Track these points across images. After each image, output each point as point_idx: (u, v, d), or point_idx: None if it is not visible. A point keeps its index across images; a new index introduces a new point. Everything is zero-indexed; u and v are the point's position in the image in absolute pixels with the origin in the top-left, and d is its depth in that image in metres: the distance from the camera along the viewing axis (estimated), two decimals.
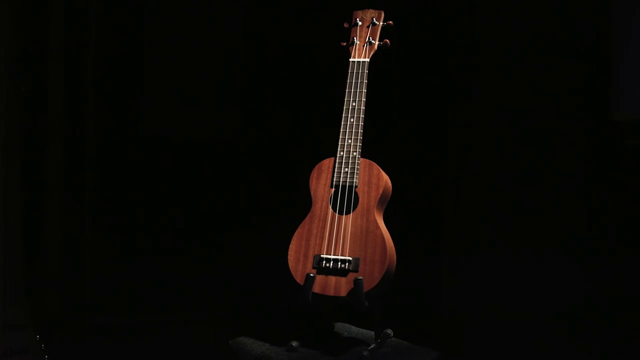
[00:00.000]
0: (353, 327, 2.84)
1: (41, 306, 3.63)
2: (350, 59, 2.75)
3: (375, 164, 2.64)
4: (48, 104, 3.68)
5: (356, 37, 2.78)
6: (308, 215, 2.65)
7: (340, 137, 2.66)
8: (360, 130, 2.65)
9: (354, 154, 2.63)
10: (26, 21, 3.51)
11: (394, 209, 2.74)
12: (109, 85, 3.87)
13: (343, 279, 2.54)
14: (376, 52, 2.77)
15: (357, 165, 2.62)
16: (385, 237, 2.55)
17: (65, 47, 3.70)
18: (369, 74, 2.73)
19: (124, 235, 3.92)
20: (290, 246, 2.63)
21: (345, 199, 2.61)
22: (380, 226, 2.57)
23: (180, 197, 4.00)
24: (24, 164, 3.40)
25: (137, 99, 3.95)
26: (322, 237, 2.60)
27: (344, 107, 2.69)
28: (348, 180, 2.62)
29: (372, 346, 2.62)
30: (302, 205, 2.70)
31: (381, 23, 2.78)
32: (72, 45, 3.72)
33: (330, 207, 2.63)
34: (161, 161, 3.98)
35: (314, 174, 2.69)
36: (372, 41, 2.76)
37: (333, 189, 2.64)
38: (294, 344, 2.60)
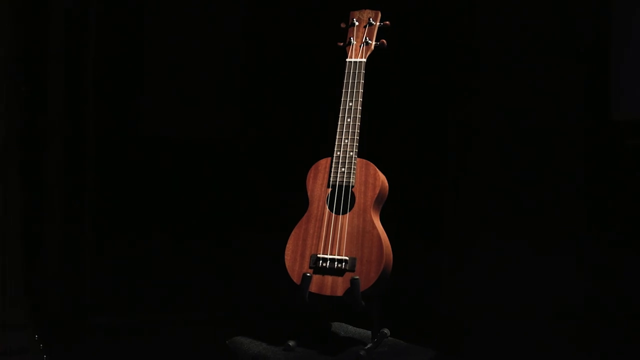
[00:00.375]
0: (350, 327, 2.84)
1: (41, 306, 3.63)
2: (347, 59, 2.75)
3: (371, 163, 2.64)
4: (48, 104, 3.68)
5: (353, 37, 2.78)
6: (305, 215, 2.65)
7: (337, 137, 2.66)
8: (357, 130, 2.65)
9: (351, 153, 2.63)
10: (26, 21, 3.52)
11: (394, 209, 2.74)
12: (109, 85, 3.87)
13: (340, 279, 2.55)
14: (373, 52, 2.77)
15: (354, 165, 2.63)
16: (382, 236, 2.55)
17: (65, 47, 3.70)
18: (366, 74, 2.73)
19: (123, 235, 3.92)
20: (287, 246, 2.63)
21: (342, 199, 2.62)
22: (377, 226, 2.57)
23: (180, 197, 4.00)
24: (24, 164, 3.41)
25: (137, 99, 3.96)
26: (319, 237, 2.60)
27: (341, 107, 2.69)
28: (345, 180, 2.62)
29: (368, 345, 2.62)
30: (302, 205, 2.70)
31: (378, 23, 2.79)
32: (72, 45, 3.72)
33: (327, 207, 2.63)
34: (161, 161, 3.98)
35: (310, 174, 2.69)
36: (369, 41, 2.76)
37: (330, 189, 2.64)
38: (291, 343, 2.60)
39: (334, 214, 2.61)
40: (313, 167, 2.70)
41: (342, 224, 2.59)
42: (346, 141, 2.65)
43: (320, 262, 2.57)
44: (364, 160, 2.65)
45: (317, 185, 2.67)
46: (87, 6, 3.77)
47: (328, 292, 2.55)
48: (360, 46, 2.76)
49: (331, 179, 2.65)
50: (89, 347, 3.58)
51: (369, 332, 2.71)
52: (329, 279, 2.56)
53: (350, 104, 2.68)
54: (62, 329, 3.63)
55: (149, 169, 3.96)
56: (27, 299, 3.24)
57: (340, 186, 2.63)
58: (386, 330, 2.72)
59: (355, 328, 2.84)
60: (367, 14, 2.81)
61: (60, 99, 3.71)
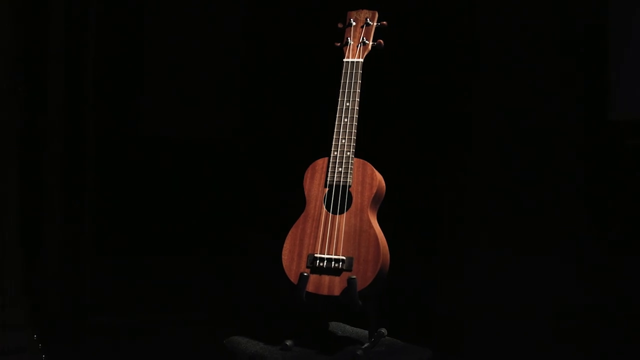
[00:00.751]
0: (347, 326, 2.84)
1: (41, 306, 3.63)
2: (344, 59, 2.75)
3: (369, 163, 2.64)
4: (48, 104, 3.68)
5: (350, 37, 2.78)
6: (302, 215, 2.65)
7: (334, 137, 2.66)
8: (354, 130, 2.65)
9: (348, 153, 2.63)
10: (26, 21, 3.52)
11: (393, 209, 2.74)
12: (109, 85, 3.88)
13: (337, 278, 2.54)
14: (371, 52, 2.76)
15: (351, 165, 2.62)
16: (379, 236, 2.55)
17: (65, 47, 3.71)
18: (364, 74, 2.73)
19: (123, 235, 3.92)
20: (285, 246, 2.63)
21: (339, 199, 2.61)
22: (374, 226, 2.57)
23: (180, 197, 4.00)
24: (24, 164, 3.41)
25: (137, 99, 3.96)
26: (316, 237, 2.60)
27: (338, 107, 2.68)
28: (342, 180, 2.62)
29: (366, 345, 2.61)
30: (302, 205, 2.70)
31: (375, 23, 2.78)
32: (72, 45, 3.73)
33: (324, 207, 2.63)
34: (161, 161, 3.99)
35: (307, 174, 2.69)
36: (366, 41, 2.76)
37: (327, 189, 2.64)
38: (288, 342, 2.60)
39: (331, 214, 2.61)
40: (310, 167, 2.69)
41: (339, 223, 2.59)
42: (343, 141, 2.65)
43: (318, 261, 2.57)
44: (361, 160, 2.64)
45: (314, 185, 2.66)
46: (87, 6, 3.78)
47: (325, 292, 2.55)
48: (357, 46, 2.76)
49: (328, 179, 2.64)
50: (89, 347, 3.59)
51: (367, 332, 2.71)
52: (326, 278, 2.56)
53: (348, 104, 2.68)
54: (62, 329, 3.64)
55: (149, 169, 3.97)
56: (27, 299, 3.23)
57: (338, 186, 2.62)
58: (383, 330, 2.71)
59: (352, 328, 2.84)
60: (364, 14, 2.81)
61: (60, 99, 3.71)
